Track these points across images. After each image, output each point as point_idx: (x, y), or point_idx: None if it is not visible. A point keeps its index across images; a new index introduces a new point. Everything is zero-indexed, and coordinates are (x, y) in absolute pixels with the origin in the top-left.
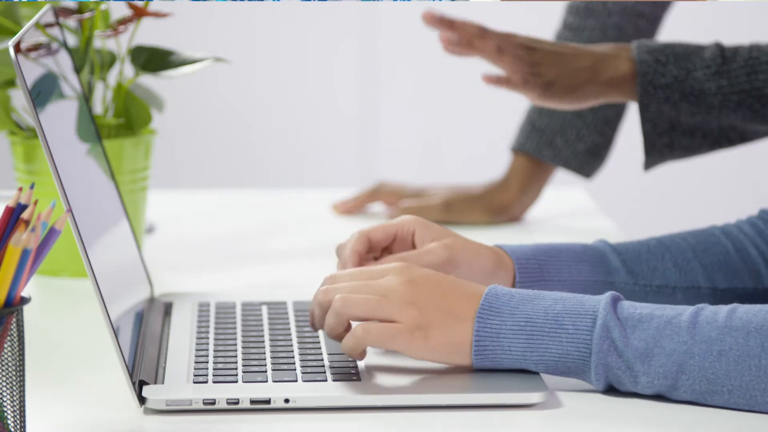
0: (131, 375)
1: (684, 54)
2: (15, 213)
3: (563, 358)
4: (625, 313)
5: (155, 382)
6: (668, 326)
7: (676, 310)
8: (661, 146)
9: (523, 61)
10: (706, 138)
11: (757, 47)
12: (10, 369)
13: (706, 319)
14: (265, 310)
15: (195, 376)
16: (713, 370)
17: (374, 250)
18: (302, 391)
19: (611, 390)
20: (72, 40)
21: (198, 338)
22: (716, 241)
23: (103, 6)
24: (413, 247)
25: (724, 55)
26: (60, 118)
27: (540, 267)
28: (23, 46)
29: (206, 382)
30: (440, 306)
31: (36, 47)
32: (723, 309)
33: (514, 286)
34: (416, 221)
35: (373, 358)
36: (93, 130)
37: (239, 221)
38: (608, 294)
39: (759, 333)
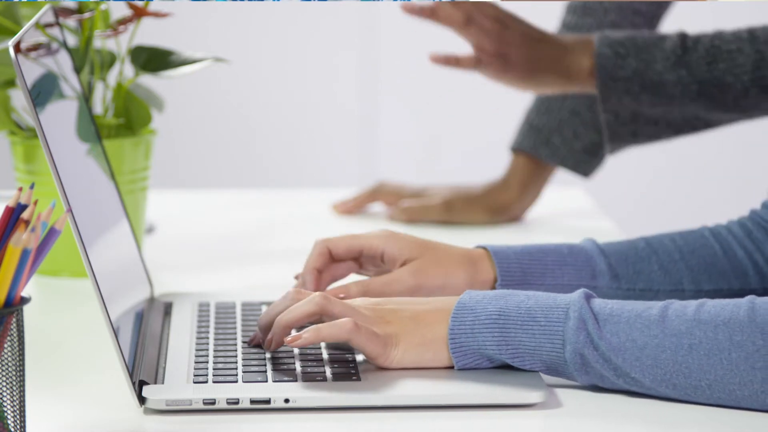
0: (131, 375)
1: (644, 45)
2: (15, 213)
3: (537, 351)
4: (597, 307)
5: (155, 382)
6: (638, 320)
7: (646, 304)
8: (625, 134)
9: (490, 36)
10: (670, 126)
11: (719, 36)
12: (10, 369)
13: (675, 312)
14: (264, 310)
15: (195, 376)
16: (686, 364)
17: (336, 263)
18: (302, 391)
19: (610, 389)
20: (72, 40)
21: (198, 338)
22: (704, 243)
23: (103, 6)
24: (382, 262)
25: (685, 45)
26: (60, 118)
27: (523, 270)
28: (23, 46)
29: (206, 382)
30: (406, 316)
31: (36, 47)
32: (692, 303)
33: (494, 288)
34: (385, 239)
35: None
36: (93, 130)
37: (239, 221)
38: (581, 290)
39: (727, 326)
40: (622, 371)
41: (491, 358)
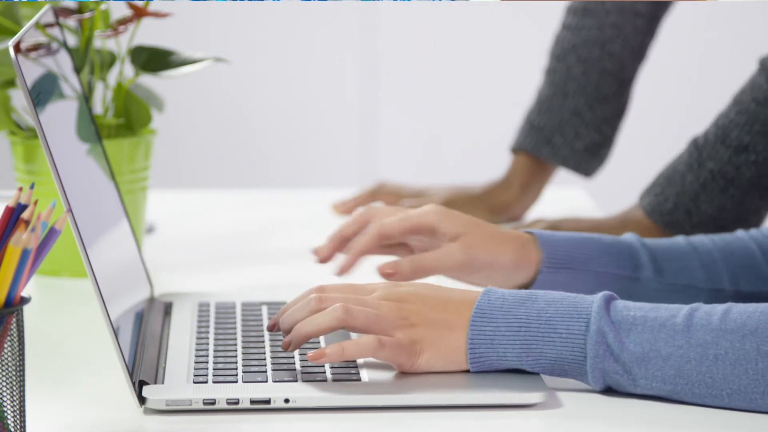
0: (131, 375)
1: (673, 174)
2: (15, 213)
3: (558, 361)
4: (619, 315)
5: (155, 382)
6: (663, 329)
7: (670, 311)
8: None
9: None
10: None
11: (721, 115)
12: (10, 369)
13: (700, 321)
14: (265, 310)
15: (195, 376)
16: (710, 374)
17: (388, 243)
18: (302, 391)
19: (611, 390)
20: (72, 40)
21: (198, 338)
22: (743, 245)
23: (103, 6)
24: (432, 236)
25: (697, 145)
26: (60, 118)
27: (568, 255)
28: (23, 46)
29: (206, 382)
30: (431, 318)
31: (36, 47)
32: (717, 310)
33: (537, 274)
34: (438, 213)
35: (372, 359)
36: (93, 130)
37: (239, 221)
38: (601, 295)
39: (754, 336)
40: (641, 381)
41: (509, 366)
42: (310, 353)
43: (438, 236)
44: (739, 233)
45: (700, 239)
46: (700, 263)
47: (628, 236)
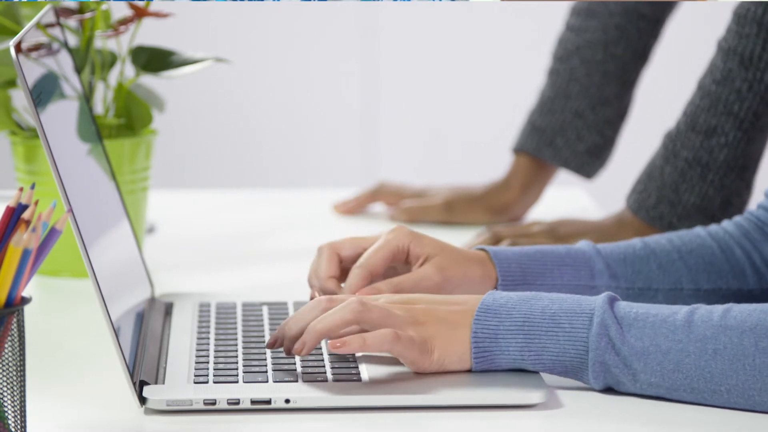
0: (132, 375)
1: (652, 170)
2: (16, 213)
3: (561, 356)
4: (621, 312)
5: (156, 383)
6: (663, 324)
7: (671, 309)
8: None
9: None
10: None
11: (688, 103)
12: (10, 369)
13: (701, 317)
14: (265, 310)
15: (196, 376)
16: (709, 369)
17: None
18: (303, 391)
19: (611, 390)
20: (73, 40)
21: (198, 338)
22: (702, 242)
23: (104, 6)
24: (406, 260)
25: (670, 136)
26: (61, 118)
27: (523, 271)
28: (24, 46)
29: (207, 382)
30: (438, 316)
31: (37, 47)
32: (718, 308)
33: (496, 288)
34: (406, 237)
35: (373, 359)
36: (94, 130)
37: (239, 221)
38: (605, 294)
39: (753, 332)
40: (641, 376)
41: (511, 364)
42: (331, 342)
43: (411, 259)
44: (698, 230)
45: (657, 239)
46: (657, 265)
47: (583, 244)
